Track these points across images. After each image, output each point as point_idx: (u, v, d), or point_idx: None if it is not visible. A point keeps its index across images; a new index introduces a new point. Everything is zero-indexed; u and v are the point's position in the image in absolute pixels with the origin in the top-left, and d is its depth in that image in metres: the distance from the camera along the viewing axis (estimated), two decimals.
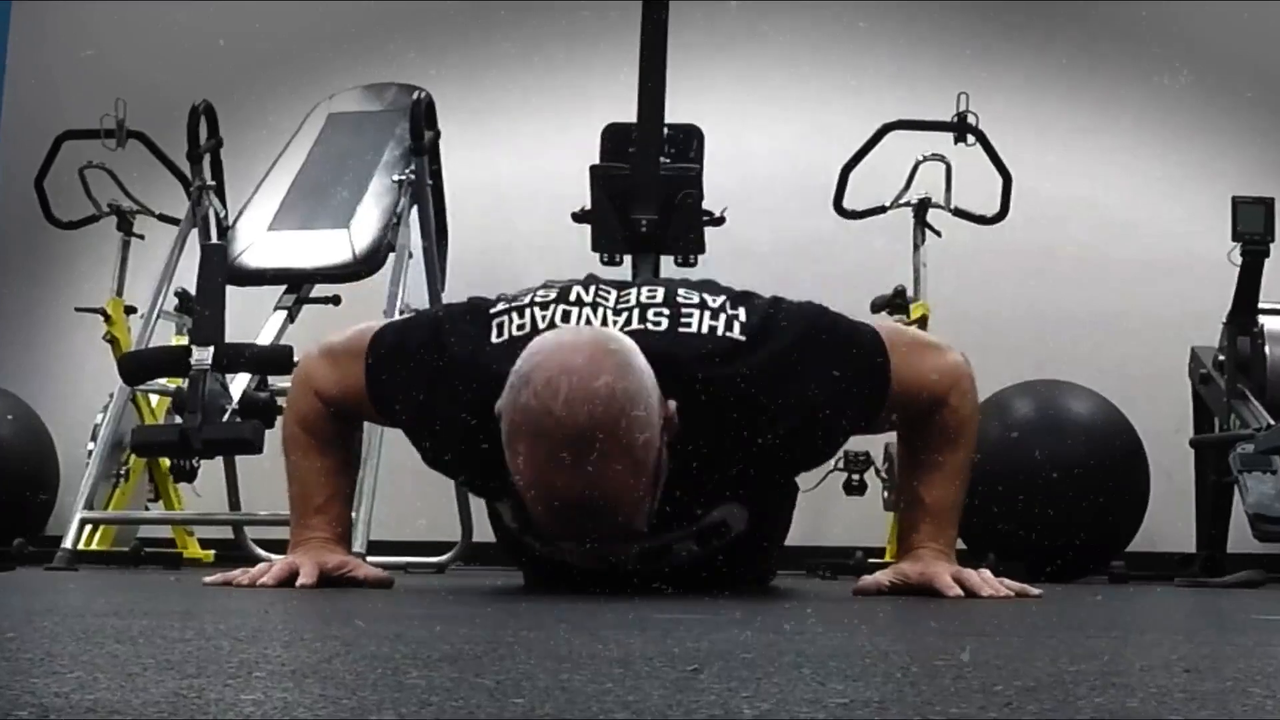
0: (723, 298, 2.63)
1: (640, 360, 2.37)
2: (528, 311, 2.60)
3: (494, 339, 2.59)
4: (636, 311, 2.56)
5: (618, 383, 2.30)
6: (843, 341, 2.64)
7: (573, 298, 2.61)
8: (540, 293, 2.64)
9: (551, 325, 2.55)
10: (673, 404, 2.40)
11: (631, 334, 2.48)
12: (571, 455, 2.27)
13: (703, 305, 2.60)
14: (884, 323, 2.84)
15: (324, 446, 2.88)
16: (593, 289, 2.63)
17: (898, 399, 2.68)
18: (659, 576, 2.68)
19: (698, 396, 2.46)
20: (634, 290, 2.62)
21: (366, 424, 3.19)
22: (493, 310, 2.64)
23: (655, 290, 2.62)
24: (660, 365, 2.40)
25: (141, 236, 5.79)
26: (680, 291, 2.63)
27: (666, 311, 2.58)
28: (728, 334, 2.56)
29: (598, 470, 2.28)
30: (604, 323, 2.54)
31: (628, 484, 2.33)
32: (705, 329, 2.56)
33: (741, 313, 2.60)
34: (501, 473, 2.42)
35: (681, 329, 2.55)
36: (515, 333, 2.57)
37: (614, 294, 2.61)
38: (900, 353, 2.69)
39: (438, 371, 2.61)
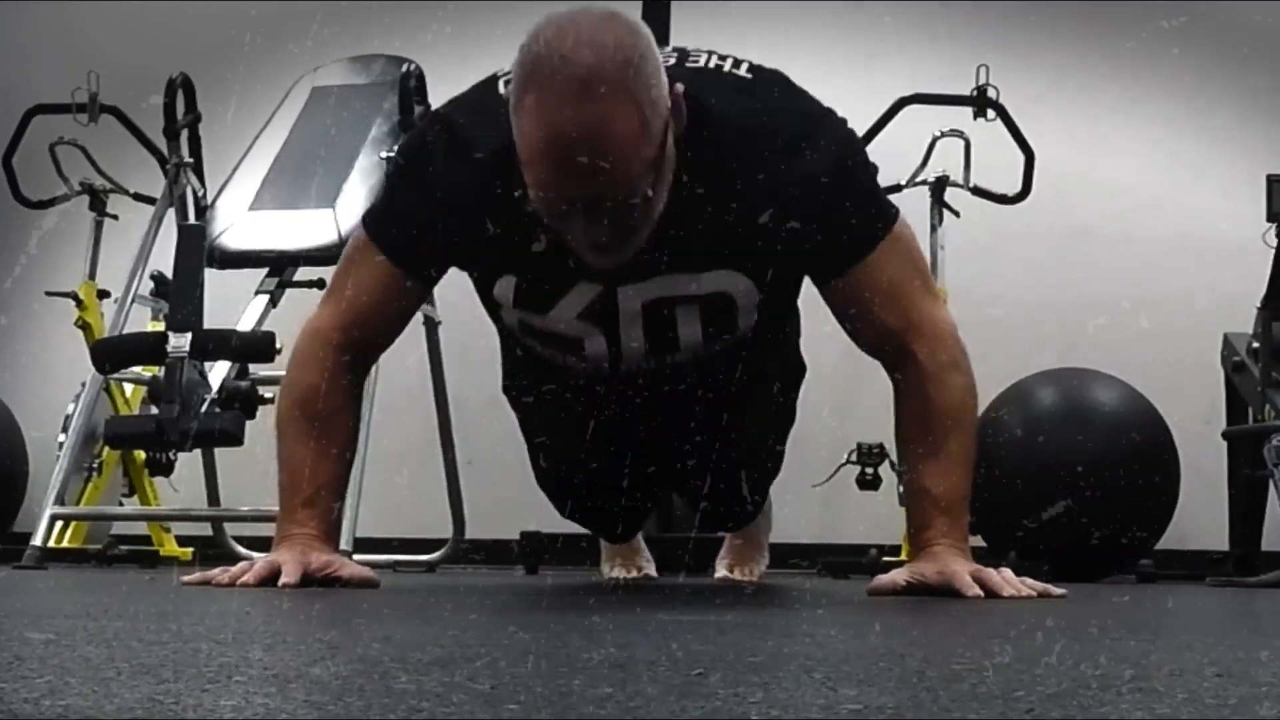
0: (731, 59, 2.74)
1: (649, 35, 2.48)
2: None
3: (501, 90, 2.66)
4: None
5: (627, 39, 2.41)
6: (860, 168, 2.73)
7: None
8: None
9: None
10: (680, 86, 2.50)
11: None
12: (577, 93, 2.36)
13: (711, 51, 2.73)
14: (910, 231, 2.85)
15: (320, 429, 2.86)
16: None
17: (869, 281, 2.72)
18: (665, 389, 2.84)
19: (697, 124, 2.55)
20: None
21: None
22: (498, 74, 2.74)
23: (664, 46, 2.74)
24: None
25: (115, 217, 5.79)
26: (690, 47, 2.76)
27: (674, 53, 2.70)
28: (734, 71, 2.70)
29: (603, 110, 2.37)
30: None
31: (633, 135, 2.41)
32: (712, 65, 2.70)
33: (750, 62, 2.73)
34: (517, 225, 2.58)
35: (689, 63, 2.69)
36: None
37: None
38: (902, 249, 2.76)
39: (443, 147, 2.72)
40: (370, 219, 2.89)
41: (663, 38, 4.63)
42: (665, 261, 2.69)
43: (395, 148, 4.80)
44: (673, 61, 2.65)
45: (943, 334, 2.80)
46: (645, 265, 2.67)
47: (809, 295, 2.89)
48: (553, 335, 2.87)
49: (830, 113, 2.72)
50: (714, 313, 2.80)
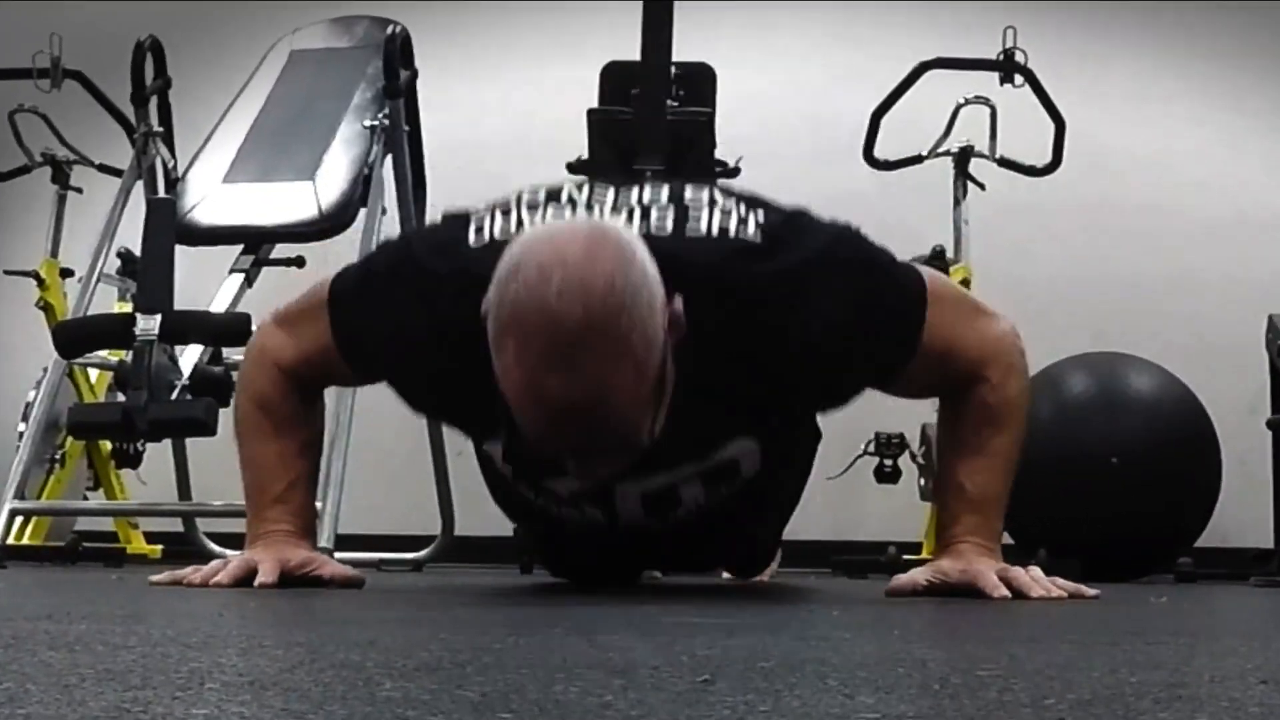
0: (734, 199, 2.61)
1: (643, 251, 2.34)
2: (513, 213, 2.58)
3: (472, 241, 2.57)
4: (638, 210, 2.55)
5: (617, 273, 2.26)
6: (877, 270, 2.65)
7: (564, 197, 2.61)
8: (527, 195, 2.63)
9: None
10: (679, 300, 2.37)
11: None
12: (566, 354, 2.24)
13: (712, 203, 2.58)
14: (932, 271, 2.82)
15: (282, 427, 2.87)
16: (587, 188, 2.62)
17: (928, 358, 2.67)
18: (663, 536, 2.73)
19: (706, 306, 2.43)
20: (635, 189, 2.60)
21: (333, 399, 3.19)
22: (472, 214, 2.63)
23: (659, 189, 2.62)
24: (665, 270, 2.37)
25: (80, 190, 5.79)
26: (688, 189, 2.62)
27: (671, 211, 2.57)
28: (741, 236, 2.54)
29: (595, 371, 2.25)
30: None
31: (628, 388, 2.30)
32: (716, 230, 2.55)
33: (759, 214, 2.58)
34: (489, 400, 2.40)
35: (689, 232, 2.54)
36: (498, 235, 2.54)
37: (611, 192, 2.60)
38: (942, 306, 2.69)
39: (410, 289, 2.61)
40: (337, 289, 2.77)
41: (666, 33, 4.62)
42: (668, 457, 2.60)
43: (383, 114, 4.81)
44: (670, 230, 2.53)
45: (1005, 348, 2.79)
46: (646, 464, 2.57)
47: None
48: (547, 491, 2.81)
49: (836, 240, 2.61)
50: (718, 476, 2.74)
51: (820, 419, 2.96)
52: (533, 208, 2.58)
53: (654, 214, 2.54)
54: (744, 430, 2.69)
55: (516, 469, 2.74)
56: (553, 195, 2.61)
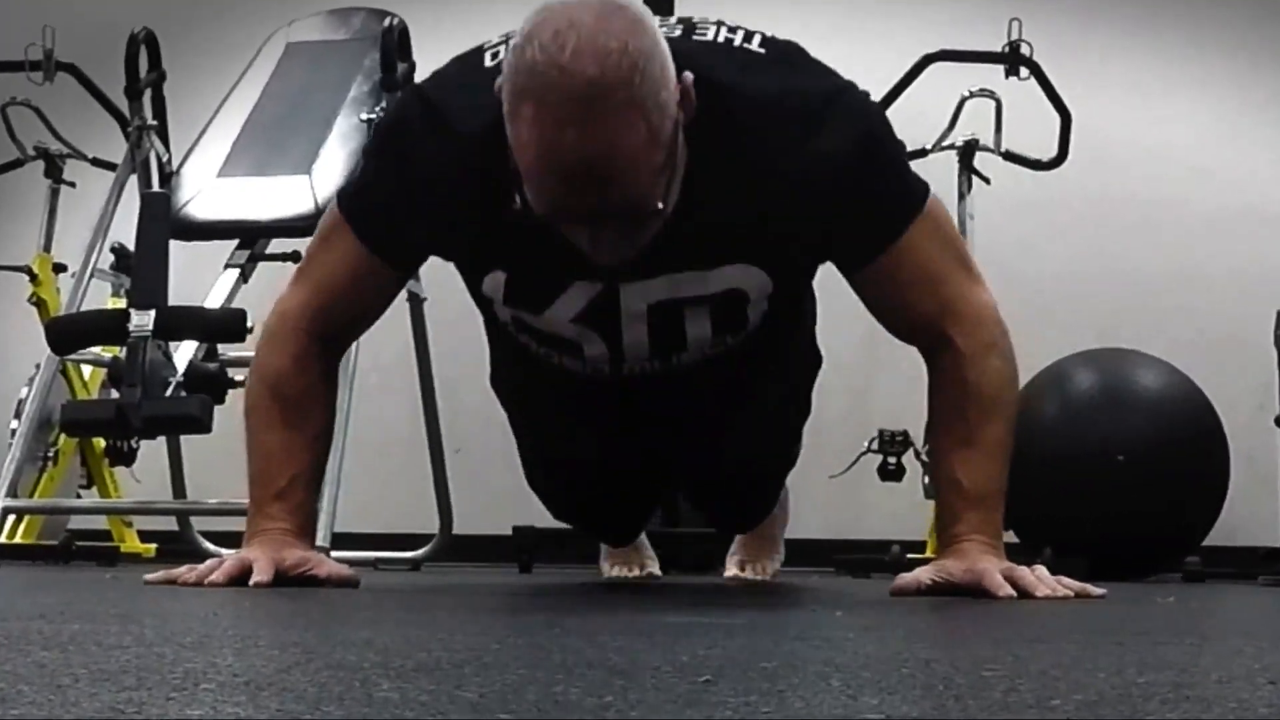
0: (744, 29, 2.73)
1: (654, 23, 2.47)
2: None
3: (487, 64, 2.65)
4: None
5: (631, 38, 2.38)
6: (887, 139, 2.72)
7: None
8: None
9: None
10: (689, 75, 2.48)
11: None
12: (581, 110, 2.34)
13: (719, 24, 2.72)
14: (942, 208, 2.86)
15: (292, 413, 2.87)
16: None
17: (900, 270, 2.72)
18: (667, 394, 2.86)
19: (707, 106, 2.53)
20: None
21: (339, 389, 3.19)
22: (485, 46, 2.72)
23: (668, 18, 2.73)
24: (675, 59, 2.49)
25: (73, 184, 5.79)
26: (696, 17, 2.76)
27: (679, 24, 2.71)
28: (745, 45, 2.68)
29: (609, 127, 2.36)
30: None
31: (641, 148, 2.40)
32: (721, 39, 2.69)
33: (767, 35, 2.72)
34: (506, 215, 2.51)
35: (696, 36, 2.68)
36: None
37: None
38: (936, 228, 2.76)
39: (423, 123, 2.71)
40: (344, 197, 2.90)
41: (667, 7, 4.64)
42: (673, 258, 2.68)
43: (376, 109, 4.82)
44: (678, 34, 2.65)
45: (983, 316, 2.80)
46: (651, 261, 2.65)
47: (825, 273, 2.88)
48: (549, 336, 2.88)
49: (850, 86, 2.71)
50: (725, 311, 2.81)
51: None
52: None
53: (662, 26, 2.61)
54: (745, 256, 2.74)
55: (521, 288, 2.79)
56: None
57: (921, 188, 2.76)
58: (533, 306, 2.81)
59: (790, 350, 3.14)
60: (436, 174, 2.69)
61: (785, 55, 2.70)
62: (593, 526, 3.71)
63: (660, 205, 2.49)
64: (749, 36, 2.70)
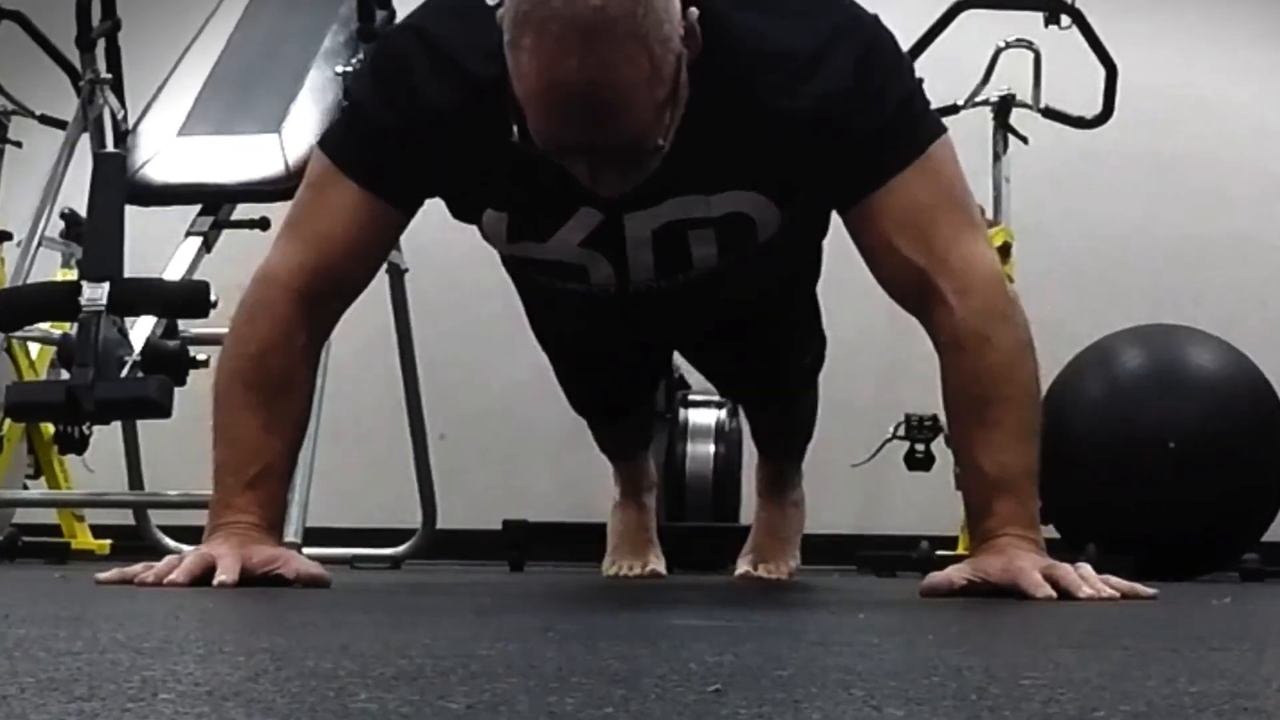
0: None
1: None
2: None
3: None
4: None
5: None
6: (877, 86, 2.78)
7: None
8: None
9: None
10: (694, 12, 2.57)
11: None
12: (583, 39, 2.44)
13: None
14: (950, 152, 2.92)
15: (269, 393, 2.88)
16: None
17: (880, 218, 2.80)
18: (675, 305, 3.04)
19: (712, 41, 2.62)
20: None
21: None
22: None
23: None
24: None
25: (19, 144, 5.80)
26: None
27: None
28: None
29: (611, 58, 2.46)
30: None
31: (643, 81, 2.50)
32: None
33: None
34: (509, 149, 2.62)
35: None
36: None
37: None
38: (940, 171, 2.85)
39: (427, 61, 2.80)
40: (332, 141, 2.96)
41: None
42: (674, 185, 2.80)
43: (356, 60, 4.81)
44: None
45: (979, 273, 2.81)
46: (653, 189, 2.76)
47: (848, 247, 2.90)
48: (552, 264, 2.99)
49: (860, 20, 2.80)
50: (731, 233, 2.93)
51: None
52: None
53: None
54: (746, 183, 2.87)
55: (524, 222, 2.92)
56: None
57: (925, 128, 2.84)
58: (535, 237, 2.94)
59: (799, 260, 3.37)
60: (443, 112, 2.79)
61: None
62: (605, 406, 3.94)
63: (660, 143, 2.59)
64: None
